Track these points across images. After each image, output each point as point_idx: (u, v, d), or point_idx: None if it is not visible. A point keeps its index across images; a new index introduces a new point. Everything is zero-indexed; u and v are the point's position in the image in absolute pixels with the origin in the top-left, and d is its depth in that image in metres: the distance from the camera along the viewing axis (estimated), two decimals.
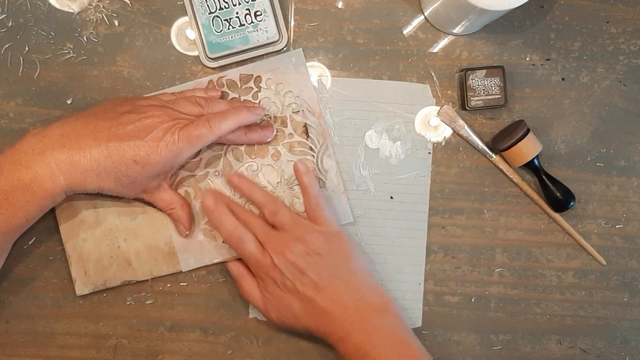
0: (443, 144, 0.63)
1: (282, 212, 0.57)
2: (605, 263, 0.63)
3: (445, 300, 0.63)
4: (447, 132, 0.63)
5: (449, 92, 0.63)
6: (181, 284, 0.61)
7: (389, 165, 0.62)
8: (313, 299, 0.54)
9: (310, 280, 0.55)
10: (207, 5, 0.60)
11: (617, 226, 0.63)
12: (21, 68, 0.61)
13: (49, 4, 0.61)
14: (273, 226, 0.58)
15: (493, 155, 0.62)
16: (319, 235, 0.56)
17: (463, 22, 0.59)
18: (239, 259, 0.59)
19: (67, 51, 0.61)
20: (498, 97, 0.61)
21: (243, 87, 0.61)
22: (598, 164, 0.63)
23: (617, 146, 0.63)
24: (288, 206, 0.59)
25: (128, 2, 0.61)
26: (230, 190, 0.61)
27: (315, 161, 0.61)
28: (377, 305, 0.56)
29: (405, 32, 0.63)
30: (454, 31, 0.62)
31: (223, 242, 0.60)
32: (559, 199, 0.60)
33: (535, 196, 0.62)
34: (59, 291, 0.61)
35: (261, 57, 0.61)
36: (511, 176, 0.62)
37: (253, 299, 0.58)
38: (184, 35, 0.61)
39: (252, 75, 0.61)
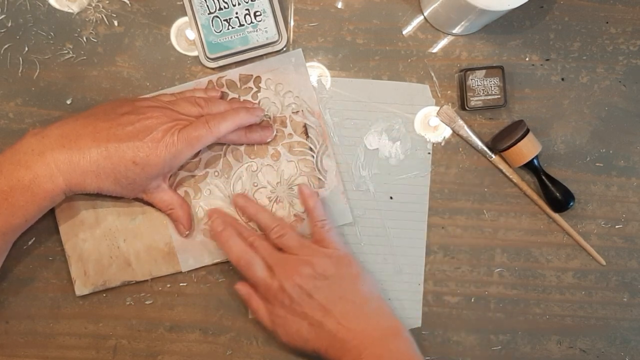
0: (443, 144, 0.63)
1: (288, 234, 0.57)
2: (605, 263, 0.63)
3: (445, 300, 0.63)
4: (447, 132, 0.63)
5: (449, 92, 0.63)
6: (181, 284, 0.61)
7: (389, 166, 0.62)
8: (322, 322, 0.54)
9: (318, 304, 0.54)
10: (207, 6, 0.60)
11: (616, 226, 0.63)
12: (21, 68, 0.61)
13: (49, 4, 0.61)
14: (279, 249, 0.57)
15: (493, 156, 0.62)
16: (326, 258, 0.56)
17: (463, 23, 0.59)
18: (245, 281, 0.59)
19: (66, 51, 0.61)
20: (497, 97, 0.61)
21: (243, 88, 0.61)
22: (598, 164, 0.63)
23: (617, 146, 0.63)
24: (295, 229, 0.59)
25: (128, 2, 0.61)
26: (228, 194, 0.61)
27: (314, 161, 0.61)
28: (388, 329, 0.55)
29: (404, 32, 0.63)
30: (454, 31, 0.62)
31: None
32: (559, 199, 0.60)
33: (535, 196, 0.62)
34: (58, 291, 0.61)
35: (261, 57, 0.61)
36: (511, 176, 0.62)
37: (262, 320, 0.57)
38: (183, 35, 0.61)
39: (252, 75, 0.61)
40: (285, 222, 0.59)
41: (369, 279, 0.58)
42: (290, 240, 0.57)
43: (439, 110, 0.62)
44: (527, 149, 0.59)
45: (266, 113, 0.61)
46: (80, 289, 0.60)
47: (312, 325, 0.54)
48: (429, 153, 0.62)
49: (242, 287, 0.58)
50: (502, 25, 0.63)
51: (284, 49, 0.61)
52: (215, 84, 0.61)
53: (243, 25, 0.60)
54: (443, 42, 0.63)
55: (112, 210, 0.60)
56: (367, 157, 0.62)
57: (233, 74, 0.61)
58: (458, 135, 0.62)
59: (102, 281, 0.60)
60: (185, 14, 0.61)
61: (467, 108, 0.61)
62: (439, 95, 0.62)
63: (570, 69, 0.63)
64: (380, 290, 0.58)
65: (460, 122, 0.62)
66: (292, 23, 0.62)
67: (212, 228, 0.58)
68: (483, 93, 0.61)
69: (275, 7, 0.60)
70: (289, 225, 0.59)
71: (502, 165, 0.62)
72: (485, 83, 0.61)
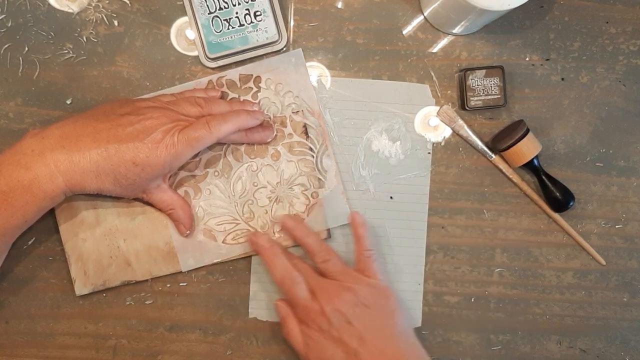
0: (443, 144, 0.63)
1: (334, 260, 0.57)
2: (604, 263, 0.63)
3: (445, 300, 0.63)
4: (447, 132, 0.63)
5: (449, 92, 0.63)
6: (181, 284, 0.61)
7: (389, 166, 0.62)
8: (357, 351, 0.53)
9: (356, 332, 0.53)
10: (207, 6, 0.60)
11: (616, 226, 0.63)
12: (21, 68, 0.61)
13: (49, 4, 0.61)
14: (321, 274, 0.57)
15: (493, 155, 0.62)
16: (368, 287, 0.56)
17: (462, 22, 0.59)
18: (284, 299, 0.58)
19: (66, 51, 0.61)
20: (498, 97, 0.61)
21: (243, 87, 0.61)
22: (597, 164, 0.63)
23: (617, 146, 0.63)
24: (339, 256, 0.58)
25: (128, 2, 0.61)
26: (228, 194, 0.61)
27: (314, 161, 0.61)
28: None
29: (404, 32, 0.63)
30: (454, 31, 0.62)
31: (223, 242, 0.60)
32: (559, 199, 0.61)
33: (535, 196, 0.62)
34: (58, 291, 0.61)
35: (261, 57, 0.61)
36: (511, 176, 0.62)
37: (294, 341, 0.56)
38: (183, 35, 0.61)
39: (252, 75, 0.61)
40: (331, 248, 0.59)
41: (405, 314, 0.57)
42: (334, 266, 0.57)
43: (439, 110, 0.62)
44: (527, 149, 0.59)
45: (266, 113, 0.61)
46: (80, 289, 0.60)
47: (347, 353, 0.53)
48: (429, 153, 0.62)
49: (281, 305, 0.58)
50: (502, 25, 0.63)
51: (284, 49, 0.61)
52: (215, 83, 0.61)
53: (243, 25, 0.60)
54: (443, 42, 0.63)
55: (112, 210, 0.60)
56: (367, 157, 0.62)
57: (233, 73, 0.61)
58: (458, 135, 0.62)
59: (102, 281, 0.60)
60: (185, 14, 0.61)
61: (467, 108, 0.61)
62: (439, 95, 0.62)
63: (570, 68, 0.63)
64: (412, 324, 0.58)
65: (460, 122, 0.62)
66: (292, 23, 0.62)
67: (258, 244, 0.58)
68: (483, 93, 0.61)
69: (275, 7, 0.60)
70: (334, 251, 0.58)
71: (502, 165, 0.62)
72: (485, 83, 0.61)
